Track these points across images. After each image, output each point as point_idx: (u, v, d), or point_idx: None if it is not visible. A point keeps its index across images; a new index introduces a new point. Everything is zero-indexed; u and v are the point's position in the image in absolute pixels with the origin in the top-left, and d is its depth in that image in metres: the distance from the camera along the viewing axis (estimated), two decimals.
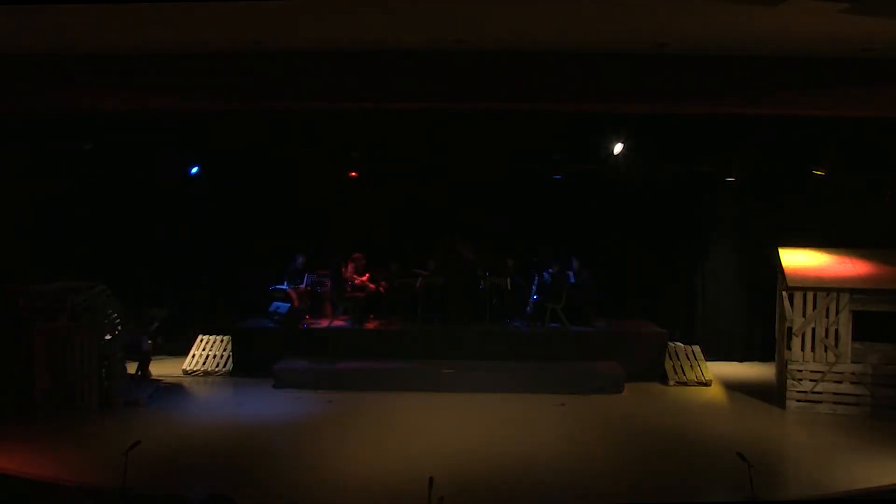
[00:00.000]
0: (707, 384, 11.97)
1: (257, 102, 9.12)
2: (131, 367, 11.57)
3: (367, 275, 13.19)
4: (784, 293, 10.70)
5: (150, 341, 11.69)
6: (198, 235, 13.90)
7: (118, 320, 10.95)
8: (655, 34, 7.74)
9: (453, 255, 13.14)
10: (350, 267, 12.98)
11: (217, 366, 12.56)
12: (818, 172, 11.86)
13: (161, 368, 12.29)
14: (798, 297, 10.47)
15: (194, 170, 12.72)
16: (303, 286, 13.01)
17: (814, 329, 10.40)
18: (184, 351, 12.84)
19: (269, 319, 12.64)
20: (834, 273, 10.51)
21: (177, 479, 7.61)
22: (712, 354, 12.81)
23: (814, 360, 10.39)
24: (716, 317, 13.69)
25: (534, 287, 12.88)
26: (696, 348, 12.66)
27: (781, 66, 8.47)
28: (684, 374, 12.16)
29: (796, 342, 10.47)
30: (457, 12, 7.11)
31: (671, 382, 12.03)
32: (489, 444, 8.87)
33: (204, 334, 13.10)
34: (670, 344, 12.48)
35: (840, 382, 10.29)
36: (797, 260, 10.83)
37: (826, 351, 10.35)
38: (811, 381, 10.39)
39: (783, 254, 11.00)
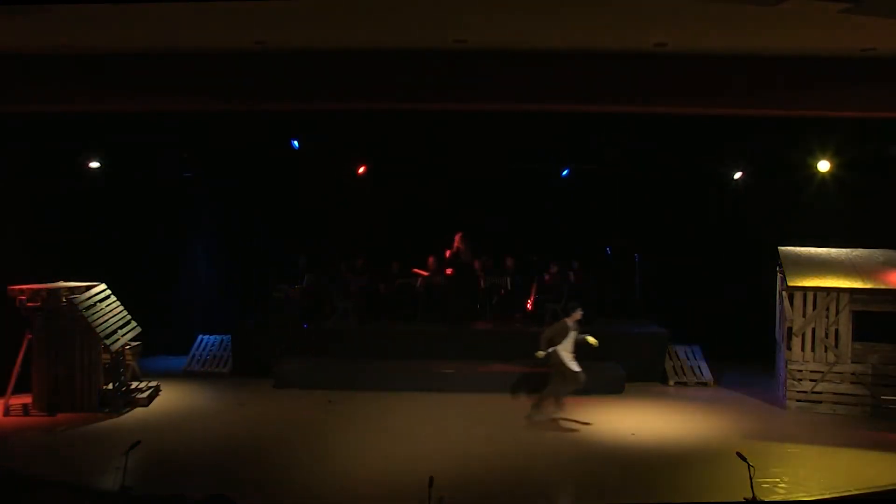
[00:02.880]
0: (707, 384, 11.97)
1: (257, 102, 9.13)
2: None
3: (368, 275, 13.19)
4: (784, 293, 10.70)
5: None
6: (198, 235, 13.89)
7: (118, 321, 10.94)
8: (655, 34, 7.74)
9: (455, 253, 13.13)
10: (351, 267, 12.97)
11: (217, 366, 12.56)
12: (818, 172, 11.88)
13: (161, 368, 12.29)
14: (798, 297, 10.47)
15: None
16: (303, 286, 13.00)
17: (814, 329, 10.40)
18: (184, 351, 12.85)
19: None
20: (834, 273, 10.50)
21: (177, 479, 7.61)
22: (712, 354, 12.81)
23: (814, 360, 10.39)
24: (716, 317, 13.68)
25: (534, 287, 12.88)
26: (696, 348, 12.66)
27: (781, 66, 8.48)
28: (684, 374, 12.17)
29: (796, 342, 10.47)
30: (457, 12, 7.12)
31: (671, 382, 12.03)
32: (489, 444, 8.87)
33: (204, 334, 13.10)
34: (670, 344, 12.48)
35: (840, 382, 10.29)
36: (797, 260, 10.83)
37: (826, 351, 10.35)
38: (811, 381, 10.39)
39: (783, 254, 11.00)
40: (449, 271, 13.00)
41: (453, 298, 12.91)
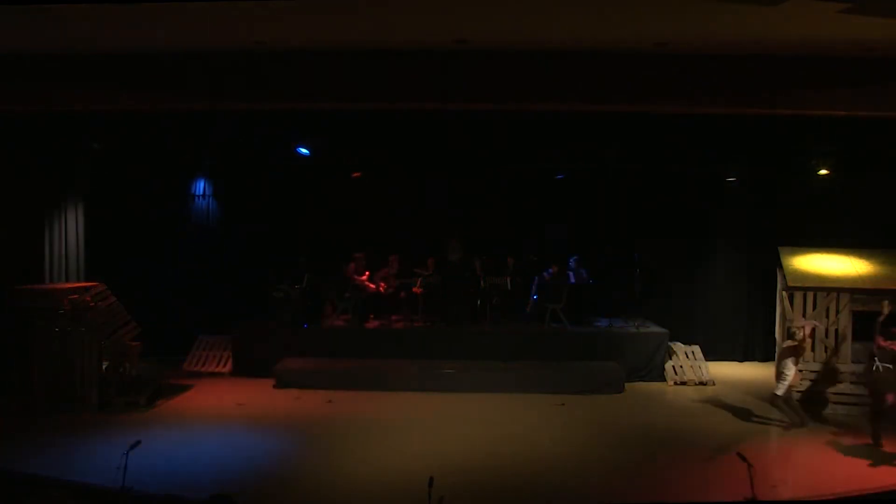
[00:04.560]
0: (707, 384, 11.97)
1: (257, 102, 9.12)
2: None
3: (367, 274, 13.19)
4: (784, 293, 10.70)
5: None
6: (198, 235, 13.88)
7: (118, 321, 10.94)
8: (655, 34, 7.74)
9: (444, 257, 13.17)
10: (351, 267, 12.98)
11: (217, 366, 12.56)
12: (822, 173, 11.89)
13: (161, 368, 12.29)
14: (798, 297, 10.47)
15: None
16: (303, 286, 13.00)
17: (814, 329, 10.39)
18: (184, 351, 12.84)
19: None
20: (834, 273, 10.51)
21: (177, 479, 7.61)
22: (712, 354, 12.82)
23: (814, 360, 10.39)
24: (716, 317, 13.70)
25: (533, 287, 12.88)
26: (696, 348, 12.66)
27: (782, 66, 8.48)
28: (684, 374, 12.17)
29: None
30: (457, 12, 7.11)
31: (671, 382, 12.03)
32: (489, 444, 8.87)
33: (204, 334, 13.10)
34: (670, 344, 12.49)
35: (840, 382, 10.28)
36: (797, 260, 10.84)
37: (826, 351, 10.35)
38: (811, 380, 10.38)
39: (783, 254, 11.00)
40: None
41: (449, 299, 12.92)
